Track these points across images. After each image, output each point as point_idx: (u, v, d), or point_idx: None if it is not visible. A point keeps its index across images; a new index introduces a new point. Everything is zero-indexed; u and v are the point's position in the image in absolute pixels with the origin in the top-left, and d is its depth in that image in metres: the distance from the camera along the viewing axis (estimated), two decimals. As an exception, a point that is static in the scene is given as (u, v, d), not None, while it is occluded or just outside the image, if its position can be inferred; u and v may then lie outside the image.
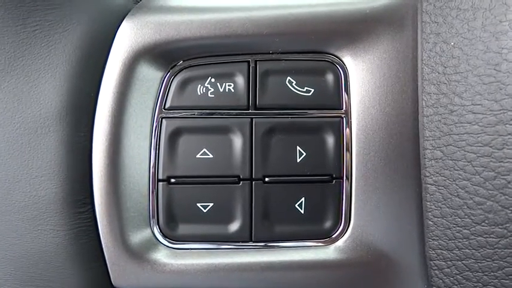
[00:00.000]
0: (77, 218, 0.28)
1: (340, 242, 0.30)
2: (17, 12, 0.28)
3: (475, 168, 0.25)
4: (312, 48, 0.31)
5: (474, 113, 0.25)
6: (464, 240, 0.25)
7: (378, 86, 0.29)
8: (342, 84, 0.30)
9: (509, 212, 0.23)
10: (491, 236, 0.24)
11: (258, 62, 0.31)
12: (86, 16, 0.29)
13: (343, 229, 0.30)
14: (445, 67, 0.26)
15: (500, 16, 0.25)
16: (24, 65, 0.28)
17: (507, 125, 0.24)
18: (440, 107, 0.26)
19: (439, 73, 0.26)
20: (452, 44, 0.26)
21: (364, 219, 0.29)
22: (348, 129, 0.30)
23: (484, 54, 0.25)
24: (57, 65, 0.28)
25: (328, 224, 0.30)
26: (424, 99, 0.27)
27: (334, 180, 0.30)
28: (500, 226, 0.24)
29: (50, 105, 0.28)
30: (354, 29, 0.30)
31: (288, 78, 0.31)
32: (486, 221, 0.24)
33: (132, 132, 0.29)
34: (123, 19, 0.30)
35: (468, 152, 0.25)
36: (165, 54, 0.30)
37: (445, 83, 0.26)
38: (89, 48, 0.29)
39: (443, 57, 0.26)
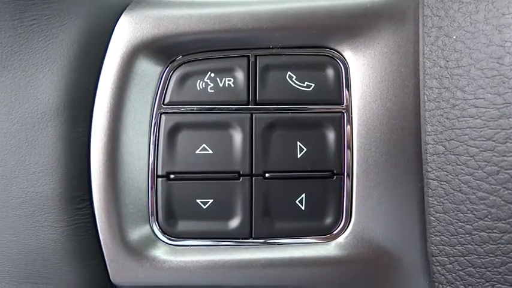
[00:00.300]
0: (75, 215, 0.28)
1: (341, 239, 0.29)
2: (14, 6, 0.28)
3: (478, 162, 0.24)
4: (313, 43, 0.31)
5: (477, 107, 0.24)
6: (467, 235, 0.25)
7: (379, 81, 0.29)
8: (342, 79, 0.30)
9: (513, 206, 0.23)
10: (494, 231, 0.24)
11: (258, 57, 0.30)
12: (84, 10, 0.29)
13: (344, 225, 0.30)
14: (447, 61, 0.26)
15: (503, 9, 0.24)
16: (22, 60, 0.28)
17: (510, 119, 0.23)
18: (442, 101, 0.26)
19: (441, 67, 0.26)
20: (454, 37, 0.26)
21: (366, 215, 0.29)
22: (348, 124, 0.30)
23: (486, 47, 0.24)
24: (55, 60, 0.28)
25: (329, 220, 0.30)
26: (425, 94, 0.27)
27: (335, 176, 0.30)
28: (503, 221, 0.24)
29: (47, 100, 0.28)
30: (354, 23, 0.30)
31: (288, 73, 0.30)
32: (489, 216, 0.24)
33: (130, 127, 0.29)
34: (122, 13, 0.30)
35: (471, 146, 0.25)
36: (164, 49, 0.30)
37: (447, 77, 0.26)
38: (87, 42, 0.29)
39: (445, 51, 0.26)
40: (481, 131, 0.24)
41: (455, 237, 0.25)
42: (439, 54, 0.26)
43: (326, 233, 0.30)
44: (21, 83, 0.28)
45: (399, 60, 0.29)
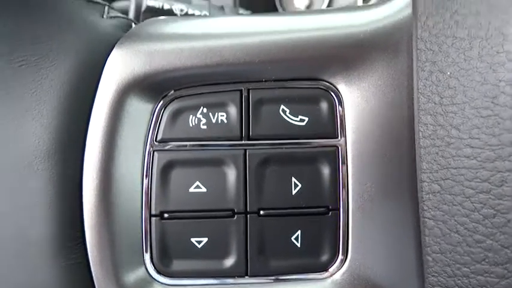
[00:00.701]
0: (67, 258, 0.28)
1: (337, 276, 0.29)
2: (2, 48, 0.28)
3: (474, 204, 0.24)
4: (306, 75, 0.30)
5: (472, 147, 0.24)
6: (464, 278, 0.24)
7: (374, 115, 0.29)
8: (336, 112, 0.30)
9: (509, 251, 0.23)
10: (491, 275, 0.23)
11: (250, 91, 0.30)
12: (74, 48, 0.29)
13: (340, 262, 0.29)
14: (442, 97, 0.26)
15: (497, 47, 0.24)
16: (10, 104, 0.27)
17: (506, 161, 0.23)
18: (437, 139, 0.25)
19: (435, 103, 0.26)
20: (448, 73, 0.25)
21: (362, 252, 0.29)
22: (343, 158, 0.29)
23: (481, 85, 0.24)
24: (45, 102, 0.28)
25: (325, 257, 0.29)
26: (420, 130, 0.26)
27: (330, 212, 0.29)
28: (500, 266, 0.23)
29: (37, 143, 0.27)
30: (347, 55, 0.29)
31: (282, 107, 0.30)
32: (486, 260, 0.24)
33: (123, 167, 0.29)
34: (113, 48, 0.30)
35: (466, 187, 0.24)
36: (156, 85, 0.29)
37: (442, 114, 0.25)
38: (77, 81, 0.28)
39: (439, 87, 0.26)
40: (476, 172, 0.24)
41: (452, 279, 0.25)
42: (433, 89, 0.26)
43: (322, 269, 0.29)
44: (10, 127, 0.27)
45: (393, 94, 0.28)
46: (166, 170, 0.29)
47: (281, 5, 1.14)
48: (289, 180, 0.29)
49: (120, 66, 0.29)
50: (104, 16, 0.31)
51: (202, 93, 0.30)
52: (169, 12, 0.58)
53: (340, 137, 0.30)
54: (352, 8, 0.34)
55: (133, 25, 0.34)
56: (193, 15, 0.58)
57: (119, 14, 0.33)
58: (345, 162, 0.29)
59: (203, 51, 0.29)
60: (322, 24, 0.31)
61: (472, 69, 0.24)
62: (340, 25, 0.30)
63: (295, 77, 0.30)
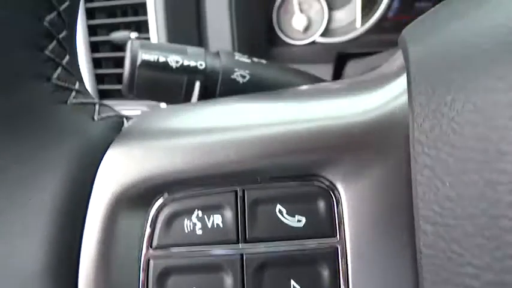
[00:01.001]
0: None
1: None
2: None
3: None
4: (301, 172, 0.30)
5: (474, 266, 0.23)
6: None
7: (373, 214, 0.28)
8: (334, 211, 0.29)
9: None
10: None
11: (246, 191, 0.29)
12: (65, 160, 0.28)
13: None
14: (441, 208, 0.25)
15: (496, 164, 0.23)
16: (3, 224, 0.27)
17: None
18: (439, 250, 0.25)
19: (435, 213, 0.25)
20: (447, 184, 0.25)
21: None
22: (343, 259, 0.29)
23: (481, 203, 0.23)
24: (36, 223, 0.27)
25: None
26: (421, 238, 0.25)
27: None
28: None
29: (30, 265, 0.27)
30: (342, 149, 0.29)
31: (278, 207, 0.29)
32: None
33: (118, 278, 0.28)
34: (104, 153, 0.29)
35: None
36: (148, 192, 0.29)
37: (442, 226, 0.25)
38: (69, 194, 0.28)
39: (439, 196, 0.25)
40: None
41: None
42: (432, 198, 0.25)
43: None
44: (3, 253, 0.27)
45: (392, 193, 0.28)
46: (162, 277, 0.29)
47: (279, 27, 1.13)
48: (288, 284, 0.29)
49: (112, 176, 0.28)
50: (95, 118, 0.31)
51: (197, 196, 0.30)
52: (165, 65, 0.57)
53: (339, 237, 0.29)
54: (349, 90, 0.34)
55: (125, 122, 0.33)
56: (188, 66, 0.58)
57: (110, 113, 0.32)
58: (344, 262, 0.29)
59: (196, 153, 0.29)
60: (316, 114, 0.30)
61: (472, 184, 0.24)
62: (335, 115, 0.30)
63: (290, 174, 0.30)
